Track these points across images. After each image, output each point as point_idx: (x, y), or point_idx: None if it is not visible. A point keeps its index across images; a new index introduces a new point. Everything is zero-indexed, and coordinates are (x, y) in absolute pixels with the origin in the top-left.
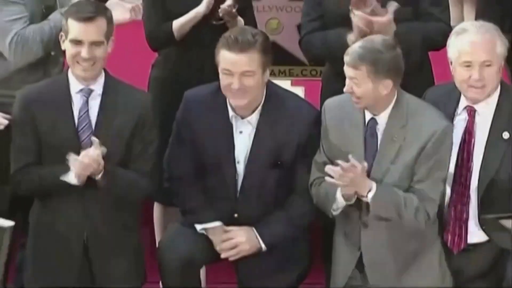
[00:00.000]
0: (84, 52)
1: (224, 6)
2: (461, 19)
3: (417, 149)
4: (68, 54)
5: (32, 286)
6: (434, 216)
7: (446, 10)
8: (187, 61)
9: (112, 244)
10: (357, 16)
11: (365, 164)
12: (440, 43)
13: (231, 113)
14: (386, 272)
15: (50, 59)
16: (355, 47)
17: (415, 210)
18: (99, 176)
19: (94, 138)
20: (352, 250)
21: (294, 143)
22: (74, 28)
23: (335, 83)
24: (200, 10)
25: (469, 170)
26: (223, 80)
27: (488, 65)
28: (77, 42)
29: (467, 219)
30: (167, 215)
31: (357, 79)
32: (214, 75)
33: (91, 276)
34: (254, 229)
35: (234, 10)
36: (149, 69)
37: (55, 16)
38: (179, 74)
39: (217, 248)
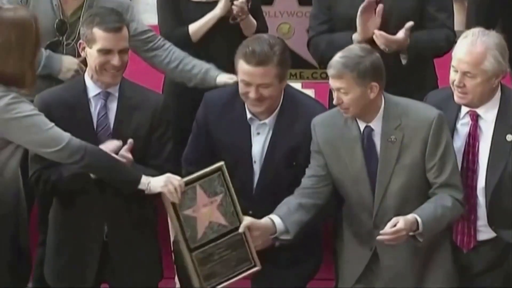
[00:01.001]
0: (115, 60)
1: (237, 3)
2: (464, 24)
3: (419, 144)
4: (94, 63)
5: (53, 282)
6: (465, 200)
7: (451, 16)
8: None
9: (132, 240)
10: (378, 37)
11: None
12: (445, 50)
13: (249, 115)
14: (402, 272)
15: None
16: (335, 58)
17: (452, 208)
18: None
19: (130, 140)
20: (363, 250)
21: (309, 144)
22: (103, 38)
23: None
24: (216, 12)
25: (475, 172)
26: (241, 88)
27: (470, 77)
28: (106, 52)
29: (475, 219)
30: None
31: (343, 88)
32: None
33: (110, 271)
34: None
35: (246, 8)
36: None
37: None
38: None
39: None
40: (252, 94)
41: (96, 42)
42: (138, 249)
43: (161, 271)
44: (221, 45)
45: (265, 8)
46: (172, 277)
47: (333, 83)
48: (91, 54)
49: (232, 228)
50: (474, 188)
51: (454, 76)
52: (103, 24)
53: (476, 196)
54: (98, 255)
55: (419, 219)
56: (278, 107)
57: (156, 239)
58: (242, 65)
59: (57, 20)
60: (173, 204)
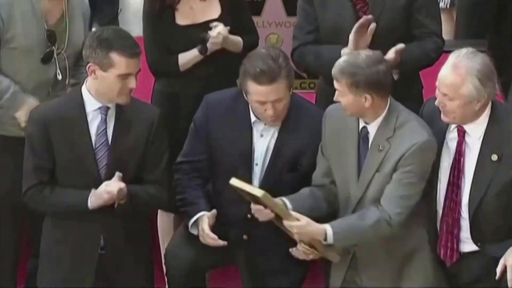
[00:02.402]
0: (133, 83)
1: (213, 40)
2: (452, 34)
3: (395, 160)
4: (112, 87)
5: None
6: (400, 221)
7: (439, 24)
8: (190, 74)
9: (127, 253)
10: None
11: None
12: (434, 61)
13: (253, 118)
14: (380, 272)
15: (56, 81)
16: (340, 60)
17: (376, 223)
18: (122, 201)
19: (118, 173)
20: (343, 252)
21: (313, 149)
22: (125, 64)
23: (329, 95)
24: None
25: (459, 188)
26: (257, 108)
27: (449, 99)
28: (126, 76)
29: (458, 233)
30: (171, 223)
31: (339, 91)
32: (217, 86)
33: (106, 283)
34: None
35: (222, 37)
36: (151, 83)
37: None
38: (182, 87)
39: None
40: (270, 112)
41: (114, 67)
42: (133, 262)
43: (153, 283)
44: (209, 67)
45: (253, 19)
46: None
47: (334, 81)
48: (106, 77)
49: None
50: (458, 202)
51: (436, 93)
52: (124, 50)
53: (459, 211)
54: (94, 268)
55: (329, 231)
56: None
57: (150, 252)
58: (254, 87)
59: (46, 31)
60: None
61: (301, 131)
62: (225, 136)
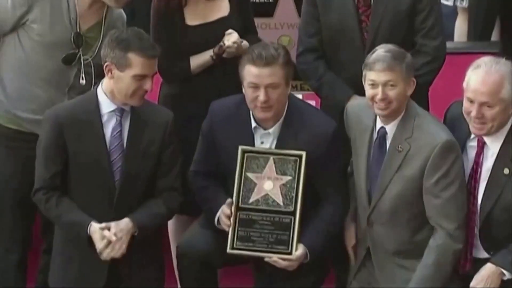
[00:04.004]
0: (148, 85)
1: (229, 50)
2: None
3: (419, 164)
4: (126, 88)
5: None
6: (457, 228)
7: (441, 29)
8: (198, 78)
9: (139, 254)
10: None
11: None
12: (437, 70)
13: (253, 124)
14: (392, 271)
15: (74, 85)
16: (380, 53)
17: (439, 255)
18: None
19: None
20: (358, 248)
21: (314, 155)
22: (142, 64)
23: None
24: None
25: (475, 197)
26: (249, 93)
27: (489, 106)
28: (142, 77)
29: (472, 242)
30: (182, 224)
31: (393, 81)
32: (226, 89)
33: (118, 284)
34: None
35: (239, 46)
36: (158, 86)
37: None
38: (189, 91)
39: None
40: (261, 97)
41: (131, 67)
42: (144, 262)
43: (164, 284)
44: (218, 71)
45: (265, 20)
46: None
47: (380, 77)
48: (122, 78)
49: (284, 211)
50: (473, 212)
51: (470, 107)
52: (142, 51)
53: (475, 220)
54: (106, 268)
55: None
56: (283, 116)
57: (161, 252)
58: (250, 69)
59: (73, 33)
60: (242, 164)
61: (301, 137)
62: (228, 143)
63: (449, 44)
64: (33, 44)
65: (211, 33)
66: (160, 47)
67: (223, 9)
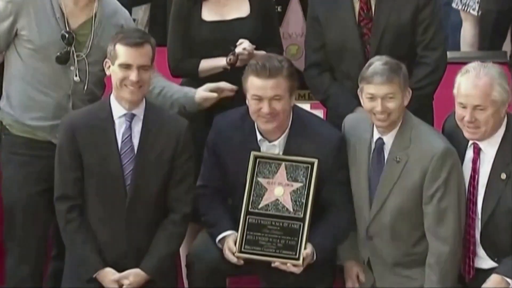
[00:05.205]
0: (133, 75)
1: (242, 57)
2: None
3: (419, 173)
4: (115, 78)
5: None
6: (455, 236)
7: (442, 40)
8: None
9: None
10: None
11: None
12: (439, 79)
13: (259, 136)
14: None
15: (75, 85)
16: (378, 66)
17: (441, 267)
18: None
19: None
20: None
21: (320, 165)
22: (124, 53)
23: None
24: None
25: (474, 204)
26: (253, 105)
27: (482, 109)
28: (126, 66)
29: (474, 250)
30: (191, 231)
31: (392, 93)
32: (233, 102)
33: None
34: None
35: (247, 52)
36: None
37: None
38: None
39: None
40: (265, 109)
41: (118, 58)
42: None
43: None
44: (232, 70)
45: None
46: None
47: (380, 90)
48: (114, 70)
49: (293, 216)
50: (474, 219)
51: (463, 113)
52: (125, 39)
53: (475, 227)
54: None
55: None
56: (288, 128)
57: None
58: (253, 81)
59: (62, 31)
60: (254, 169)
61: (306, 148)
62: (233, 156)
63: (458, 54)
64: (27, 51)
65: (223, 31)
66: (174, 41)
67: (242, 10)
